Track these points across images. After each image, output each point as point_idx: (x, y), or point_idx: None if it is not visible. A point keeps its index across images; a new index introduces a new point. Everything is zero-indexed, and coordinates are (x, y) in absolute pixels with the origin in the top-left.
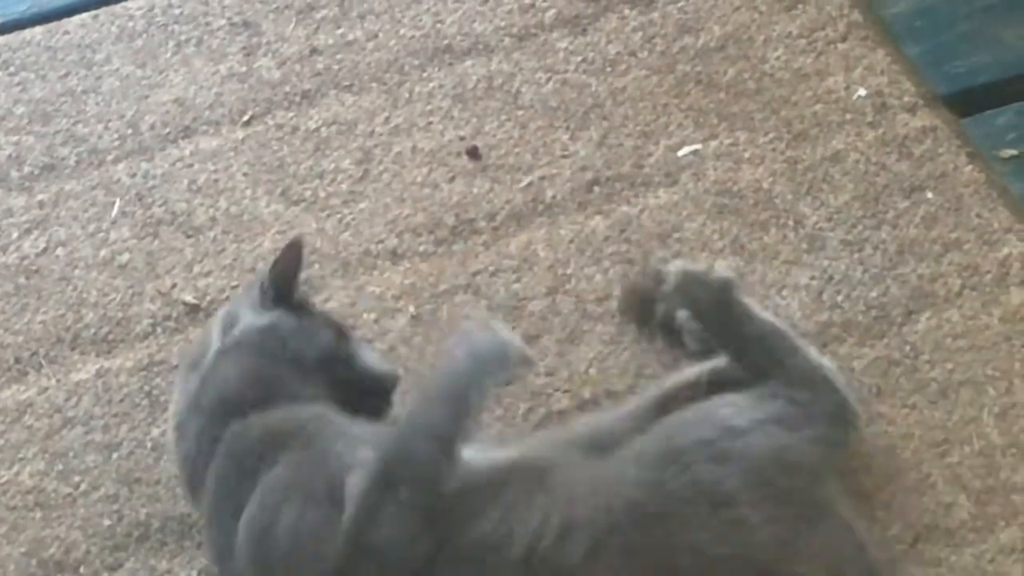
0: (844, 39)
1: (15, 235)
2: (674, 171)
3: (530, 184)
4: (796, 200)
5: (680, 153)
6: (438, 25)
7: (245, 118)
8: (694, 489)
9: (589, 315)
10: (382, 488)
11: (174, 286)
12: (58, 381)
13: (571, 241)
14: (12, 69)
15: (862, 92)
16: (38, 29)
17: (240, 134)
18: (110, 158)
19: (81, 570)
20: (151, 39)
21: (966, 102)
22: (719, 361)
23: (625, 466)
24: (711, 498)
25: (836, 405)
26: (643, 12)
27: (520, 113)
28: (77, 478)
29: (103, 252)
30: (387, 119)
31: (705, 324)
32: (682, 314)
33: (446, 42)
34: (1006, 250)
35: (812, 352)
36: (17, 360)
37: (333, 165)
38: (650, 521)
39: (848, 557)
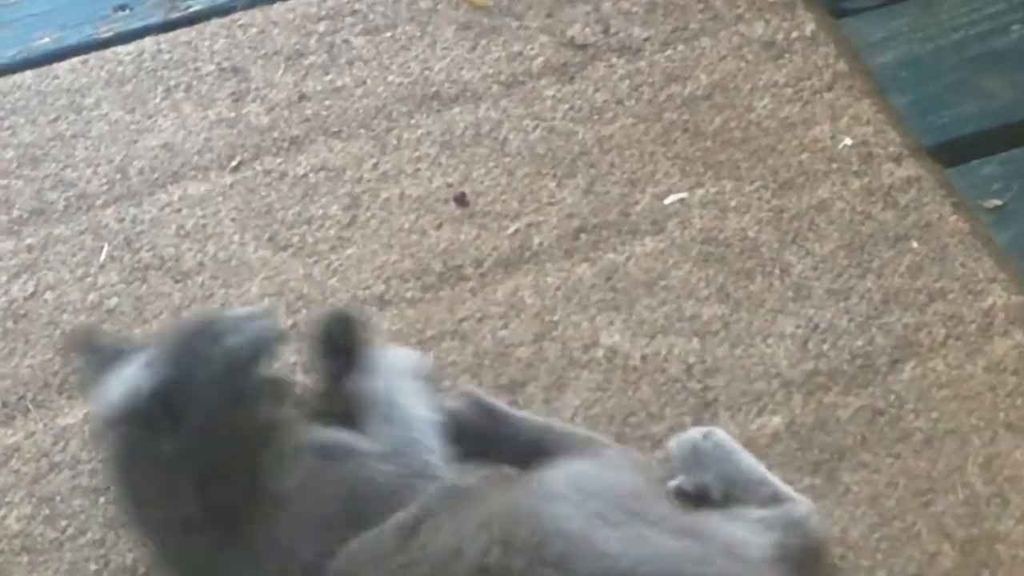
0: (830, 88)
1: (3, 279)
2: (660, 219)
3: (517, 231)
4: (782, 248)
5: (667, 201)
6: (426, 72)
7: (233, 163)
8: None
9: (575, 362)
10: None
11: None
12: (45, 425)
13: (558, 288)
14: (1, 113)
15: (848, 141)
16: (28, 73)
17: (228, 179)
18: (99, 203)
19: None
20: (140, 84)
21: (951, 152)
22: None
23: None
24: None
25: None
26: (630, 60)
27: (507, 160)
28: (64, 522)
29: (91, 296)
30: (375, 165)
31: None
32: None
33: (434, 89)
34: (990, 300)
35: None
36: (4, 404)
37: (321, 211)
38: None
39: None
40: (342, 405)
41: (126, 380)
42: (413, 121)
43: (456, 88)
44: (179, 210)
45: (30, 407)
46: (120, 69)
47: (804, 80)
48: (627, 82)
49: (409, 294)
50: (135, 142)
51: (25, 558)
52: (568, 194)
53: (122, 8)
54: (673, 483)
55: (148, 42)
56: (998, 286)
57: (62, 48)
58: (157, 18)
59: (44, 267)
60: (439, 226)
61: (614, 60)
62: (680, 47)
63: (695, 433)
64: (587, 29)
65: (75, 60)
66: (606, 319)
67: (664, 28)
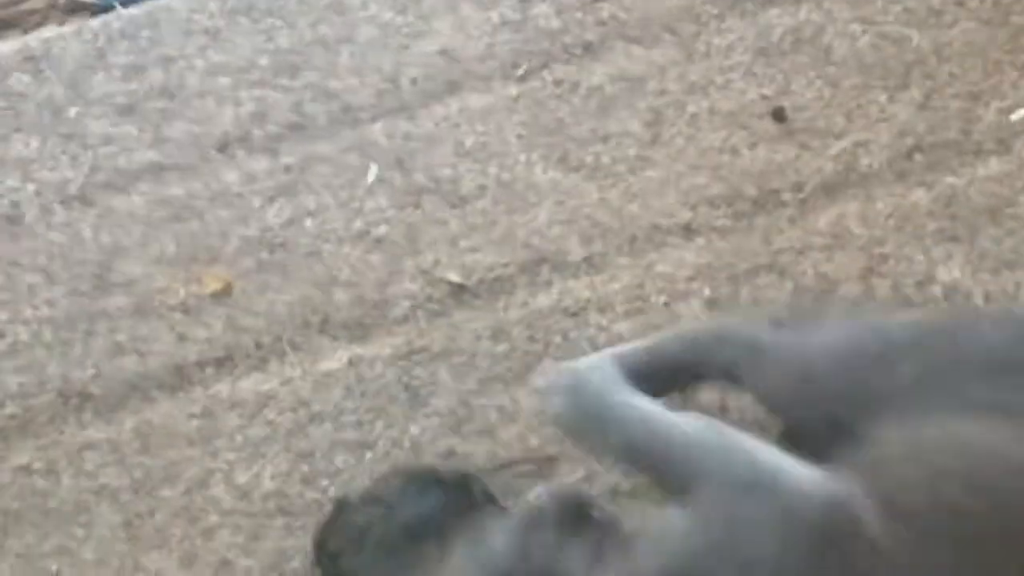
0: None
1: (257, 203)
2: (1007, 137)
3: (842, 151)
4: None
5: (1014, 117)
6: None
7: (519, 72)
8: None
9: (909, 300)
10: None
11: (437, 263)
12: (304, 370)
13: (889, 216)
14: (256, 15)
15: None
16: None
17: (514, 90)
18: (366, 117)
19: None
20: None
21: None
22: None
23: None
24: None
25: None
26: None
27: (831, 70)
28: (325, 481)
29: (357, 224)
30: (681, 75)
31: None
32: None
33: None
34: None
35: None
36: (258, 346)
37: (619, 127)
38: None
39: None
40: None
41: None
42: (725, 25)
43: None
44: (457, 125)
45: (287, 349)
46: None
47: None
48: None
49: (719, 222)
50: (407, 48)
51: (280, 520)
52: (900, 109)
53: None
54: None
55: None
56: None
57: None
58: None
59: (303, 190)
60: (753, 145)
61: None
62: None
63: None
64: None
65: None
66: (944, 251)
67: None
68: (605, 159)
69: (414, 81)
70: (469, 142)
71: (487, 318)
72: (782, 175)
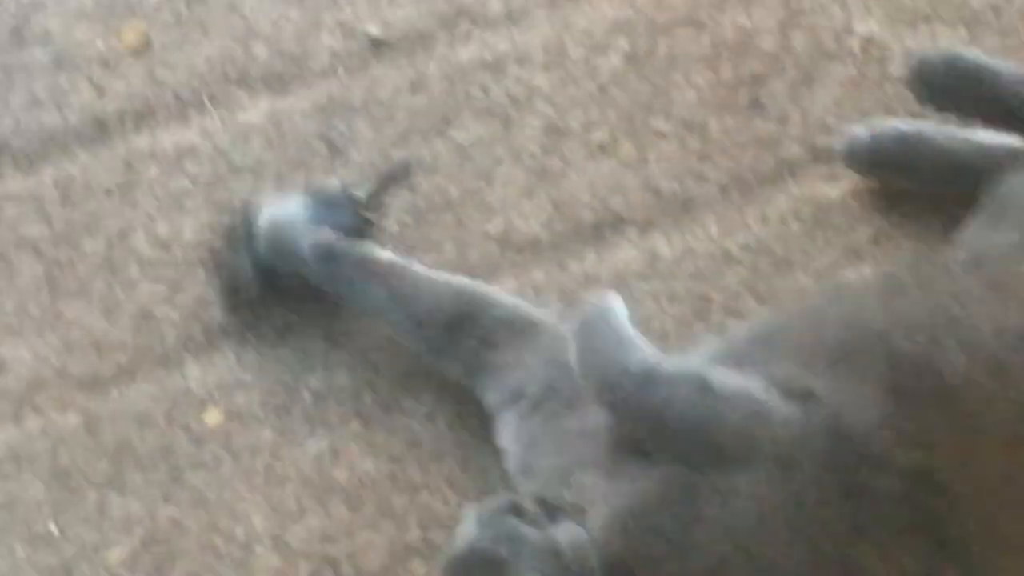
0: None
1: None
2: None
3: None
4: None
5: None
6: None
7: None
8: None
9: (827, 53)
10: None
11: (357, 17)
12: (223, 123)
13: None
14: None
15: None
16: None
17: None
18: None
19: (248, 335)
20: None
21: None
22: None
23: None
24: None
25: None
26: None
27: None
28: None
29: None
30: None
31: None
32: None
33: None
34: None
35: None
36: (177, 98)
37: None
38: None
39: None
40: None
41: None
42: None
43: None
44: None
45: (206, 102)
46: None
47: None
48: None
49: None
50: None
51: (201, 272)
52: None
53: None
54: None
55: None
56: None
57: None
58: None
59: None
60: None
61: None
62: None
63: None
64: None
65: None
66: (861, 3)
67: None
68: None
69: None
70: None
71: (407, 72)
72: None
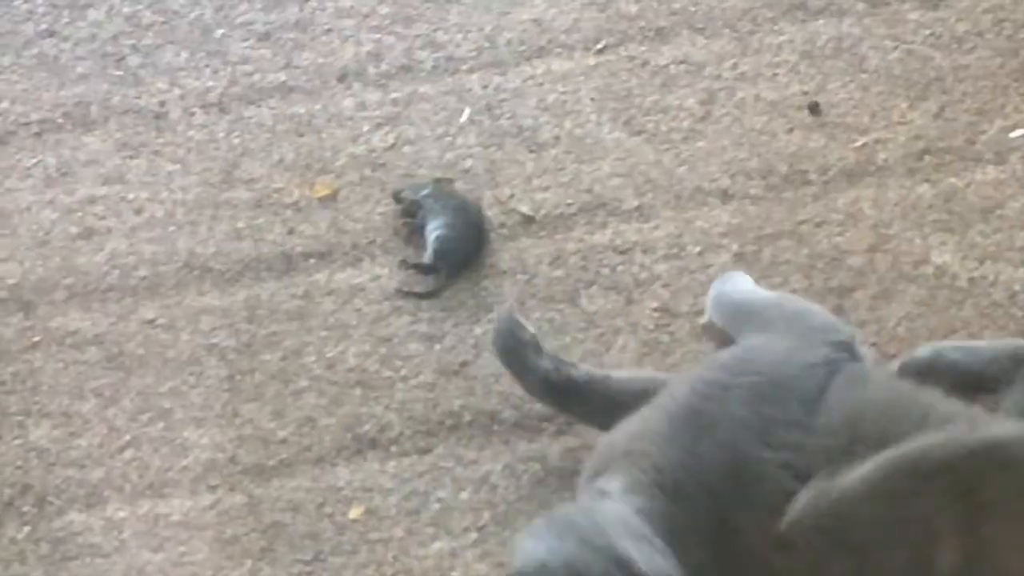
0: None
1: (366, 128)
2: (1004, 151)
3: (864, 145)
4: None
5: (1013, 135)
6: None
7: (599, 46)
8: None
9: (904, 276)
10: None
11: (512, 196)
12: (391, 271)
13: (896, 204)
14: None
15: None
16: None
17: (592, 61)
18: (465, 67)
19: (392, 449)
20: None
21: None
22: None
23: None
24: None
25: None
26: None
27: (864, 76)
28: (399, 363)
29: (448, 155)
30: (735, 65)
31: None
32: None
33: None
34: None
35: None
36: (354, 246)
37: (677, 102)
38: None
39: None
40: None
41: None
42: (777, 27)
43: (823, 1)
44: (541, 84)
45: (378, 252)
46: None
47: None
48: (991, 16)
49: (752, 191)
50: (507, 13)
51: (359, 391)
52: (918, 116)
53: None
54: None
55: None
56: None
57: None
58: None
59: (406, 121)
60: (790, 131)
61: None
62: None
63: None
64: None
65: None
66: (939, 239)
67: None
68: (663, 127)
69: (509, 42)
70: (550, 99)
71: (549, 247)
72: (811, 159)
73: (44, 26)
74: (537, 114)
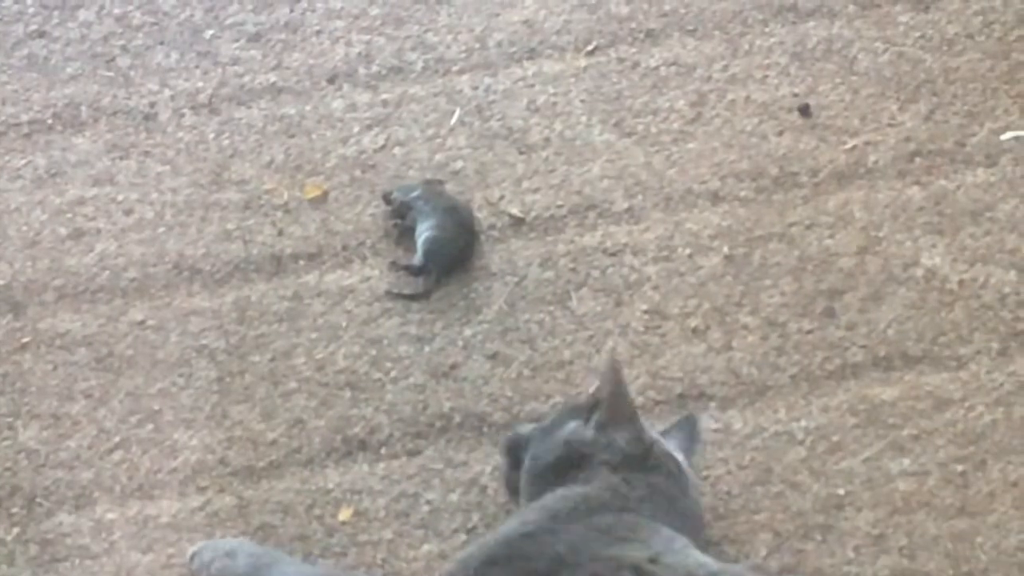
0: None
1: (356, 129)
2: (995, 153)
3: (855, 147)
4: None
5: (1003, 137)
6: None
7: (589, 48)
8: None
9: (894, 278)
10: None
11: (502, 198)
12: (381, 272)
13: (887, 206)
14: None
15: None
16: None
17: (583, 62)
18: (455, 68)
19: (382, 451)
20: None
21: None
22: None
23: None
24: None
25: None
26: None
27: (854, 79)
28: (389, 365)
29: (438, 156)
30: (725, 67)
31: None
32: None
33: (791, 1)
34: None
35: None
36: (344, 247)
37: (668, 104)
38: None
39: None
40: None
41: None
42: (767, 29)
43: (813, 3)
44: (532, 85)
45: (367, 254)
46: None
47: None
48: (980, 18)
49: (743, 193)
50: (497, 15)
51: (348, 393)
52: (908, 118)
53: None
54: None
55: None
56: None
57: None
58: None
59: (396, 123)
60: (780, 133)
61: None
62: None
63: None
64: None
65: None
66: (929, 241)
67: None
68: (653, 129)
69: (500, 44)
70: (540, 101)
71: (539, 248)
72: (801, 161)
73: (34, 27)
74: (527, 115)
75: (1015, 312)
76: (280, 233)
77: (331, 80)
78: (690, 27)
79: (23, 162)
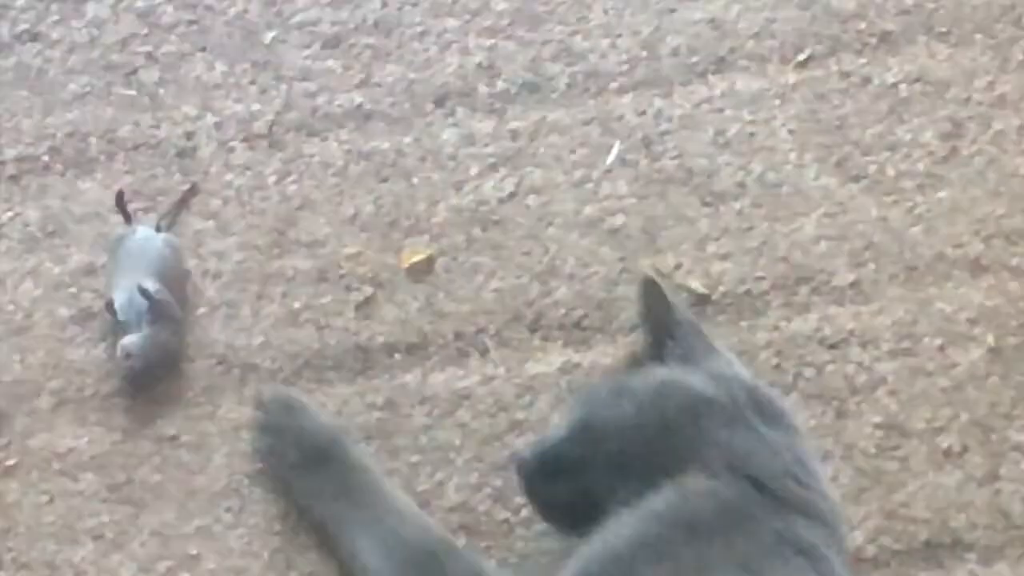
0: None
1: (474, 171)
2: None
3: None
4: None
5: None
6: None
7: (800, 57)
8: None
9: None
10: None
11: (679, 267)
12: (508, 371)
13: None
14: None
15: None
16: None
17: (791, 77)
18: (614, 86)
19: None
20: None
21: None
22: None
23: None
24: None
25: None
26: None
27: None
28: (519, 501)
29: (588, 209)
30: (990, 84)
31: None
32: None
33: None
34: None
35: None
36: (458, 336)
37: (910, 136)
38: None
39: None
40: None
41: None
42: None
43: None
44: (720, 110)
45: (490, 344)
46: None
47: None
48: None
49: (1014, 261)
50: (672, 11)
51: (463, 539)
52: None
53: None
54: None
55: None
56: None
57: None
58: None
59: (530, 161)
60: None
61: None
62: None
63: None
64: None
65: None
66: None
67: None
68: (890, 171)
69: (676, 52)
70: (732, 131)
71: (730, 337)
72: None
73: (24, 26)
74: (714, 152)
75: None
76: (367, 315)
77: (439, 102)
78: (941, 29)
79: (8, 216)
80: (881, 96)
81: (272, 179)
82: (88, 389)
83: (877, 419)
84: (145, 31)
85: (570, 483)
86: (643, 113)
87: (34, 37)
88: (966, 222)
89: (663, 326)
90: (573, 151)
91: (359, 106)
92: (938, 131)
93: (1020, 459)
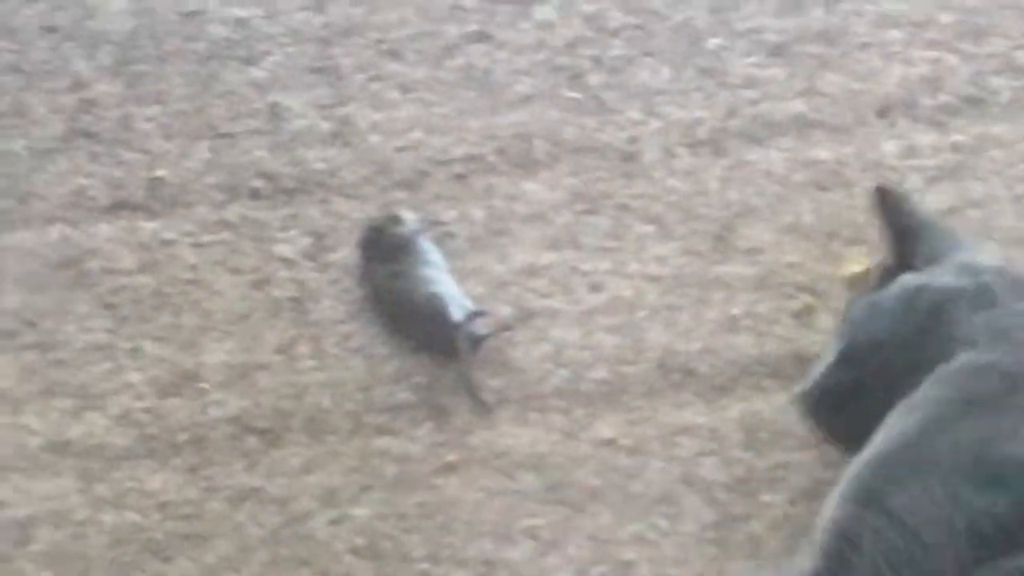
0: None
1: (916, 181)
2: None
3: None
4: None
5: None
6: None
7: None
8: None
9: None
10: None
11: None
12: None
13: None
14: None
15: None
16: None
17: None
18: None
19: None
20: None
21: None
22: None
23: None
24: None
25: None
26: None
27: None
28: None
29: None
30: None
31: None
32: None
33: None
34: None
35: None
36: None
37: None
38: None
39: None
40: None
41: None
42: None
43: None
44: None
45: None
46: None
47: None
48: None
49: None
50: None
51: None
52: None
53: None
54: None
55: None
56: None
57: None
58: None
59: (972, 175)
60: None
61: None
62: None
63: None
64: None
65: None
66: None
67: None
68: None
69: None
70: None
71: None
72: None
73: (473, 27)
74: None
75: None
76: (805, 324)
77: (882, 113)
78: None
79: (454, 213)
80: None
81: (714, 185)
82: (528, 389)
83: None
84: (591, 35)
85: (848, 405)
86: None
87: (482, 38)
88: None
89: (906, 232)
90: (1014, 165)
91: (801, 115)
92: None
93: None
